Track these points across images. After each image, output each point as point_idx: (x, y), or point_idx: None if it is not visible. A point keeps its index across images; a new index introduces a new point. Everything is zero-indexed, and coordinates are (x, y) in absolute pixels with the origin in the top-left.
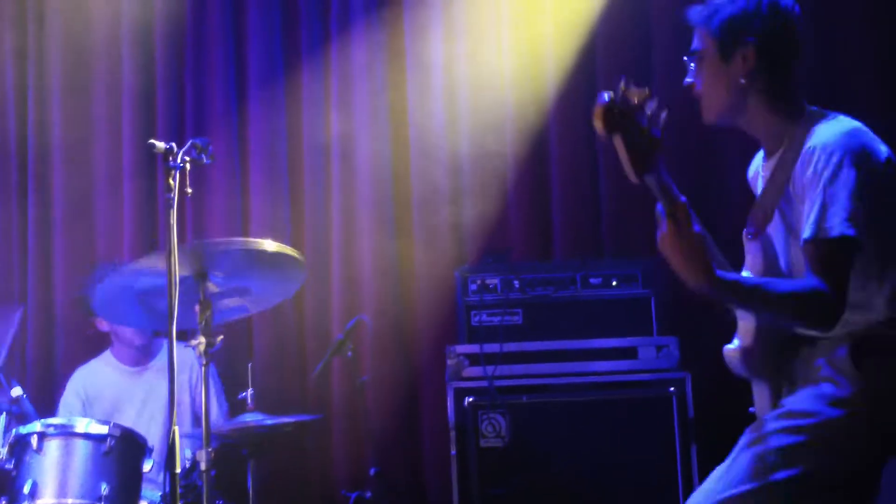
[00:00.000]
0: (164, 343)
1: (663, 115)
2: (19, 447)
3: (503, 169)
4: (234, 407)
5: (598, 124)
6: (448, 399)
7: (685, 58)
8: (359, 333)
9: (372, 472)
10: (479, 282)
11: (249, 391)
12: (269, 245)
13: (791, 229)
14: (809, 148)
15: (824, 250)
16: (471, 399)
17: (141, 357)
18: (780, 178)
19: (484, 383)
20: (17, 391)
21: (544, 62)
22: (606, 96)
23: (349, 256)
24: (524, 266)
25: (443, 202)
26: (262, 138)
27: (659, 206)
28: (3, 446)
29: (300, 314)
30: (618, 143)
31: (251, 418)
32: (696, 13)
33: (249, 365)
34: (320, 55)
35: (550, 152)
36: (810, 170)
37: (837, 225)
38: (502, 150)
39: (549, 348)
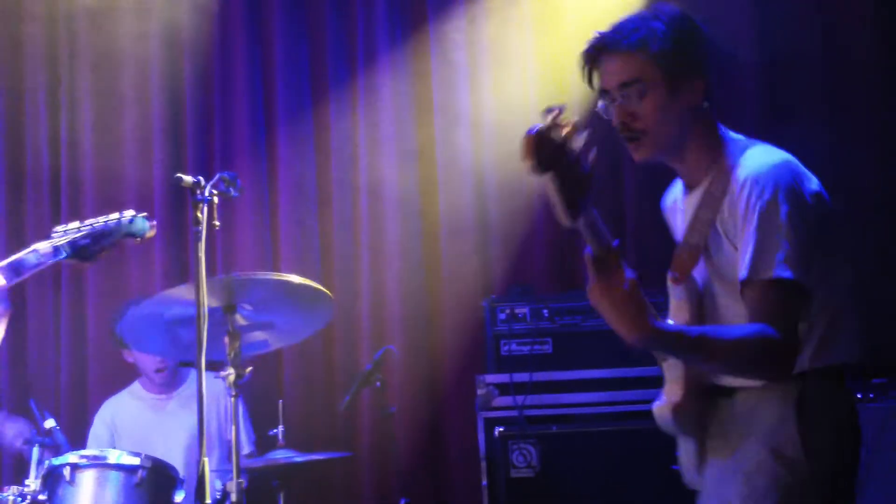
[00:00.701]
0: (191, 372)
1: (593, 151)
2: (52, 479)
3: (529, 199)
4: (265, 443)
5: (528, 160)
6: (478, 429)
7: (608, 88)
8: (387, 364)
9: (402, 503)
10: (508, 311)
11: (280, 428)
12: (296, 279)
13: (718, 271)
14: (739, 181)
15: (763, 293)
16: (501, 429)
17: (167, 386)
18: (706, 216)
19: (514, 413)
20: (49, 423)
21: (569, 94)
22: (537, 129)
23: (377, 287)
24: (553, 295)
25: (469, 233)
26: (290, 172)
27: (588, 250)
28: (36, 478)
29: (329, 345)
30: (550, 182)
31: (282, 455)
32: (616, 38)
33: (280, 402)
34: (348, 89)
35: None
36: (741, 205)
37: (774, 266)
38: (527, 182)
39: (579, 377)
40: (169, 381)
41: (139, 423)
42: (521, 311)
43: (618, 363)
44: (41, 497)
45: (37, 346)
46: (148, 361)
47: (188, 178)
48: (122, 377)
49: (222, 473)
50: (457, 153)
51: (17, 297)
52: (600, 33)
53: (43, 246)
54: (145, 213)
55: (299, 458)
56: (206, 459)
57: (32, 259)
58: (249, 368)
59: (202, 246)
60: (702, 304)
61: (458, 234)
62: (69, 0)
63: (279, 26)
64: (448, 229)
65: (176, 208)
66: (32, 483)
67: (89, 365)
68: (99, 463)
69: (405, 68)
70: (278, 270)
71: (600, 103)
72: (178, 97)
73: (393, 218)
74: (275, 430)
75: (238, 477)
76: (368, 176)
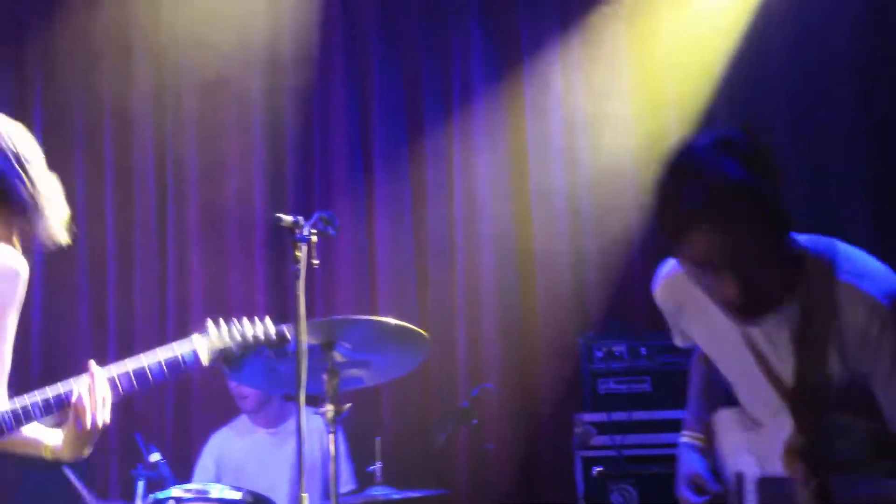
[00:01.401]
0: (295, 407)
1: None
2: None
3: (626, 233)
4: (364, 480)
5: None
6: (575, 468)
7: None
8: (483, 401)
9: None
10: (605, 349)
11: (378, 464)
12: (393, 321)
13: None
14: (860, 305)
15: None
16: (599, 468)
17: (272, 421)
18: (819, 346)
19: (612, 452)
20: (155, 457)
21: (666, 124)
22: None
23: (473, 324)
24: (652, 332)
25: (565, 268)
26: (387, 210)
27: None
28: None
29: (426, 382)
30: None
31: (379, 492)
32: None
33: (378, 439)
34: (443, 126)
35: None
36: (875, 333)
37: None
38: (625, 215)
39: (678, 417)
40: (272, 415)
41: (244, 457)
42: (619, 348)
43: None
44: None
45: None
46: (245, 393)
47: (287, 218)
48: (225, 411)
49: None
50: (552, 188)
51: (126, 334)
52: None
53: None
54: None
55: (397, 496)
56: (304, 495)
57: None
58: (348, 405)
59: (301, 284)
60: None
61: (554, 269)
62: (175, 35)
63: (376, 65)
64: (543, 265)
65: (276, 246)
66: None
67: (193, 399)
68: (202, 497)
69: (500, 104)
70: (376, 307)
71: None
72: (279, 136)
73: (488, 254)
74: (372, 467)
75: None
76: (464, 212)
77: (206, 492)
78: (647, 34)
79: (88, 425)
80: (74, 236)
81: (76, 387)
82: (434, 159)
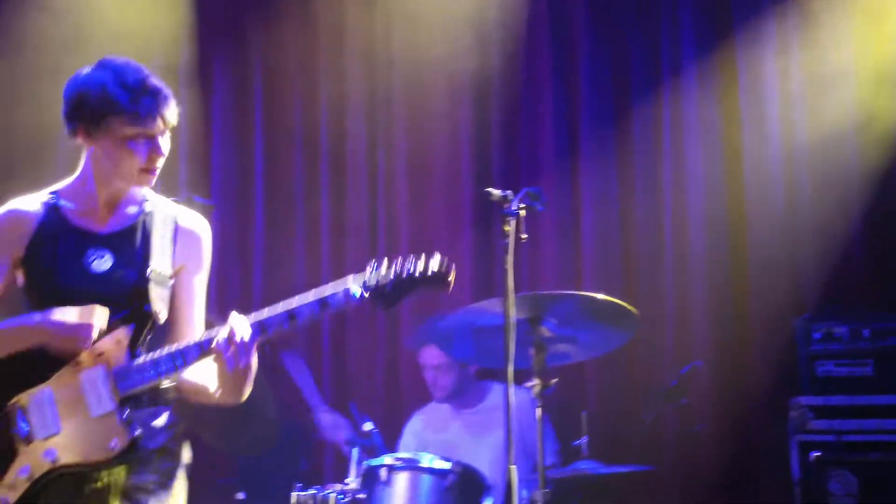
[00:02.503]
0: (492, 387)
1: None
2: (370, 478)
3: (846, 211)
4: (570, 454)
5: None
6: (791, 453)
7: None
8: (693, 380)
9: None
10: (823, 330)
11: (584, 439)
12: (601, 297)
13: None
14: None
15: None
16: (817, 454)
17: (469, 401)
18: None
19: (831, 438)
20: (368, 426)
21: (889, 99)
22: None
23: (682, 300)
24: (875, 314)
25: (779, 247)
26: (593, 186)
27: None
28: (356, 477)
29: (632, 358)
30: None
31: (586, 466)
32: None
33: (584, 413)
34: (652, 102)
35: None
36: None
37: None
38: (844, 191)
39: None
40: (468, 396)
41: (444, 436)
42: (839, 330)
43: None
44: (360, 496)
45: (355, 352)
46: (441, 382)
47: (496, 192)
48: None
49: (526, 483)
50: (765, 166)
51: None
52: None
53: (352, 286)
54: (450, 265)
55: (603, 470)
56: (513, 467)
57: (341, 298)
58: (554, 380)
59: (510, 258)
60: None
61: (768, 248)
62: (385, 24)
63: (583, 40)
64: (756, 243)
65: (482, 223)
66: (352, 482)
67: (401, 372)
68: (412, 465)
69: (710, 80)
70: (581, 282)
71: None
72: (485, 112)
73: (698, 232)
74: (579, 441)
75: (544, 486)
76: (673, 190)
77: (416, 461)
78: (872, 6)
79: (229, 369)
80: (292, 222)
81: (221, 332)
82: (642, 135)
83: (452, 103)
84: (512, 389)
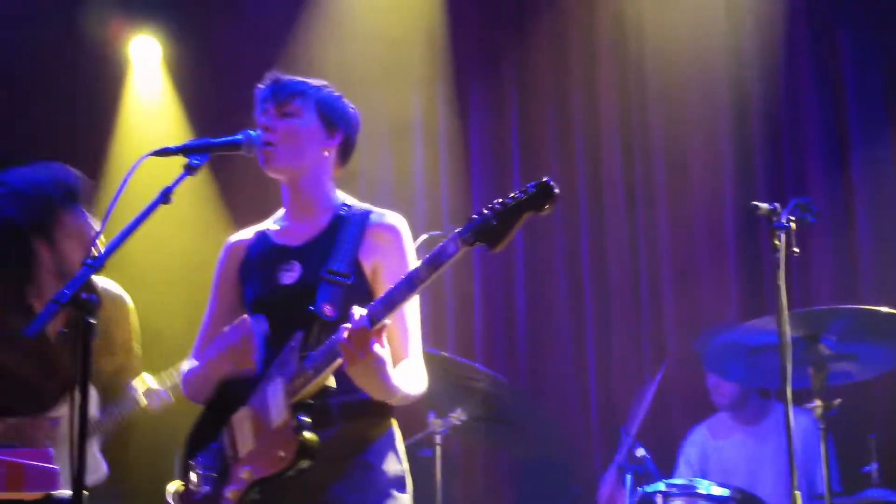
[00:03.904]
0: (775, 405)
1: None
2: None
3: None
4: (857, 481)
5: None
6: None
7: None
8: None
9: None
10: None
11: (874, 465)
12: (884, 309)
13: None
14: None
15: None
16: None
17: (751, 418)
18: None
19: None
20: (640, 452)
21: None
22: None
23: None
24: None
25: None
26: (868, 192)
27: None
28: (631, 503)
29: None
30: None
31: (877, 495)
32: None
33: (872, 436)
34: None
35: None
36: None
37: None
38: None
39: None
40: (750, 413)
41: (725, 455)
42: None
43: None
44: None
45: (621, 374)
46: (723, 389)
47: (764, 206)
48: (702, 408)
49: None
50: None
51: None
52: None
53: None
54: (546, 181)
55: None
56: (797, 493)
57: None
58: (838, 400)
59: (782, 274)
60: None
61: None
62: (638, 34)
63: (847, 47)
64: None
65: (747, 237)
66: None
67: (671, 395)
68: (688, 492)
69: None
70: (860, 295)
71: None
72: (746, 124)
73: None
74: (868, 468)
75: None
76: None
77: (693, 487)
78: None
79: (347, 365)
80: (552, 239)
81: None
82: None
83: (709, 118)
84: (791, 411)
